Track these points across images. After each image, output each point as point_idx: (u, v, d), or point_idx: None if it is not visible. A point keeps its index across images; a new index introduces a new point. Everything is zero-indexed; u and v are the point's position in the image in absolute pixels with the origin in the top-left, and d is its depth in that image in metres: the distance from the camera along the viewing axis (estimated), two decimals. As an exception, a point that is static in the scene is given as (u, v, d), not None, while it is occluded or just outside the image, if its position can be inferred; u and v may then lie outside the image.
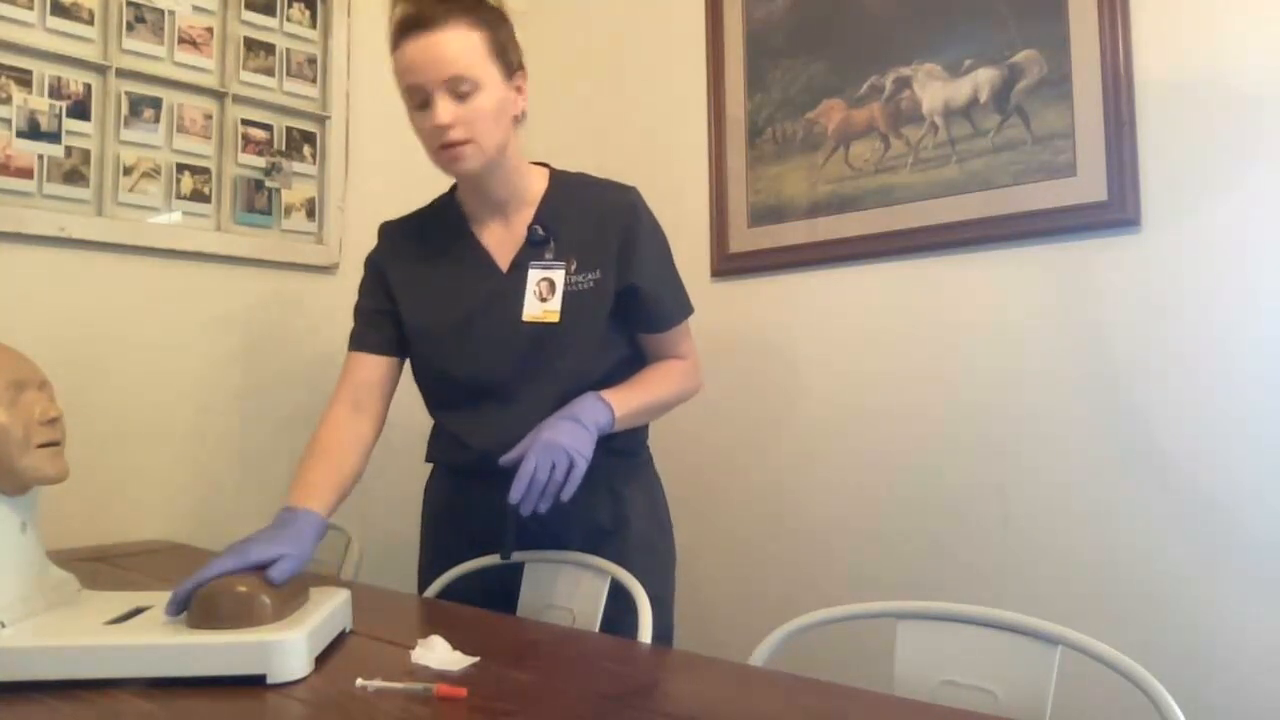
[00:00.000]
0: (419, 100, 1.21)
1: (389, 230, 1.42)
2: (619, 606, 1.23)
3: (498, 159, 1.26)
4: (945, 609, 1.00)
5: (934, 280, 1.77)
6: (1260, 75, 1.43)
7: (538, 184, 1.35)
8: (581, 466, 1.13)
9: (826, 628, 1.05)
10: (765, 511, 1.99)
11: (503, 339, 1.28)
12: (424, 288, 1.34)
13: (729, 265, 2.06)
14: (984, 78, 1.70)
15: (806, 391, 1.94)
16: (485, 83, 1.21)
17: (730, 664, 0.97)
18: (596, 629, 1.22)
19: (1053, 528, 1.60)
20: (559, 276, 1.28)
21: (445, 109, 1.19)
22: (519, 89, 1.28)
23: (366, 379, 1.33)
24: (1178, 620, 1.47)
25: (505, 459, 1.15)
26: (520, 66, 1.28)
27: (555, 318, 1.27)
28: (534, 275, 1.29)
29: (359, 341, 1.36)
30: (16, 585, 0.92)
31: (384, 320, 1.35)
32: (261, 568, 0.96)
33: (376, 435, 1.33)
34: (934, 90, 1.77)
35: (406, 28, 1.19)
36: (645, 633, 1.15)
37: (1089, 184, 1.57)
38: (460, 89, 1.19)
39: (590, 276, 1.29)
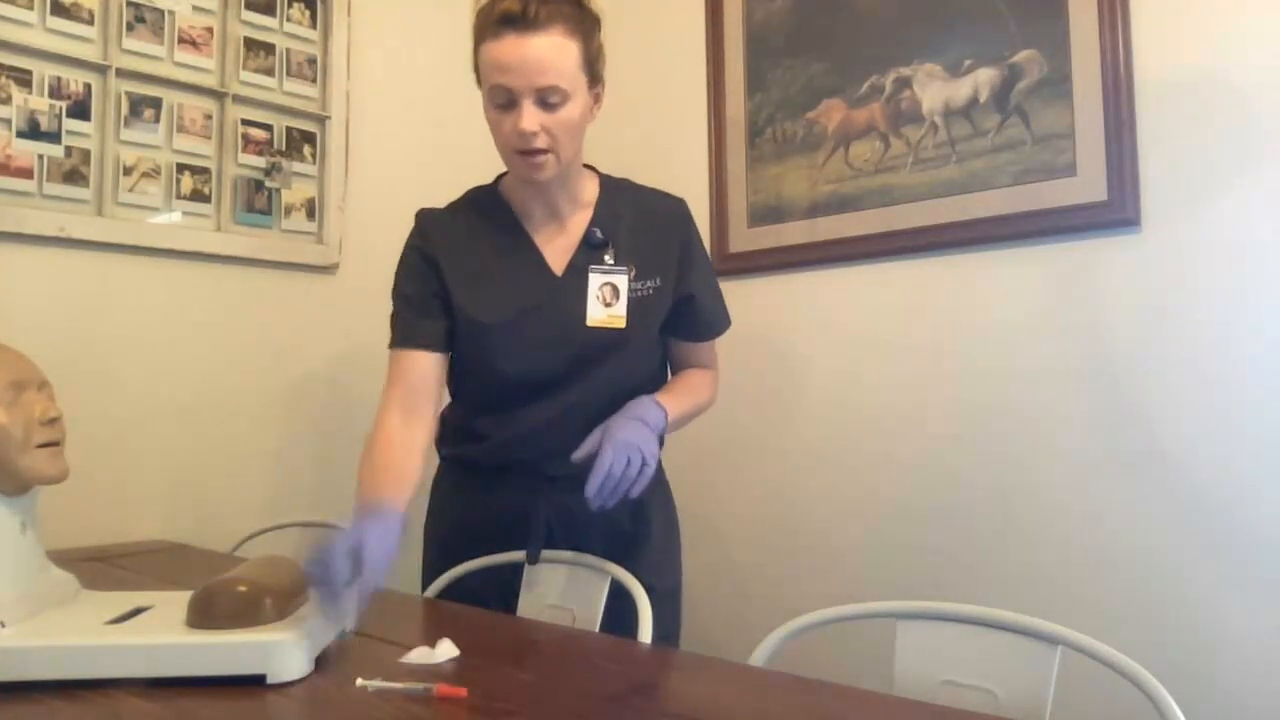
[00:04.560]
0: (503, 100, 1.17)
1: (433, 218, 1.34)
2: (622, 604, 1.22)
3: (569, 166, 1.26)
4: (945, 609, 1.00)
5: (934, 280, 1.77)
6: (1260, 75, 1.43)
7: (591, 187, 1.34)
8: (652, 466, 1.16)
9: (826, 628, 1.05)
10: (765, 511, 1.99)
11: (556, 340, 1.27)
12: (476, 282, 1.29)
13: (729, 265, 2.06)
14: (984, 78, 1.70)
15: (806, 391, 1.94)
16: (575, 95, 1.19)
17: (730, 664, 0.98)
18: (596, 629, 1.22)
19: (1053, 528, 1.60)
20: (622, 282, 1.28)
21: (532, 116, 1.16)
22: (597, 97, 1.27)
23: (420, 381, 1.26)
24: (1178, 620, 1.47)
25: (578, 455, 1.16)
26: (602, 76, 1.26)
27: (622, 323, 1.27)
28: (595, 280, 1.27)
29: (408, 337, 1.27)
30: (16, 585, 0.92)
31: (433, 311, 1.28)
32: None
33: (430, 438, 1.27)
34: (934, 90, 1.77)
35: (506, 22, 1.14)
36: (645, 632, 1.15)
37: (1089, 184, 1.57)
38: (550, 100, 1.17)
39: (650, 284, 1.30)
